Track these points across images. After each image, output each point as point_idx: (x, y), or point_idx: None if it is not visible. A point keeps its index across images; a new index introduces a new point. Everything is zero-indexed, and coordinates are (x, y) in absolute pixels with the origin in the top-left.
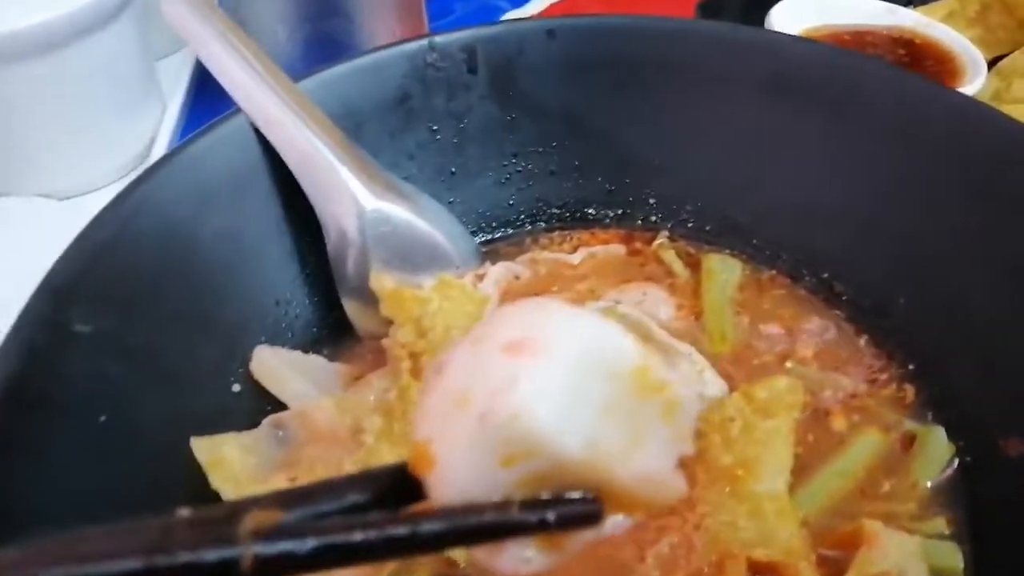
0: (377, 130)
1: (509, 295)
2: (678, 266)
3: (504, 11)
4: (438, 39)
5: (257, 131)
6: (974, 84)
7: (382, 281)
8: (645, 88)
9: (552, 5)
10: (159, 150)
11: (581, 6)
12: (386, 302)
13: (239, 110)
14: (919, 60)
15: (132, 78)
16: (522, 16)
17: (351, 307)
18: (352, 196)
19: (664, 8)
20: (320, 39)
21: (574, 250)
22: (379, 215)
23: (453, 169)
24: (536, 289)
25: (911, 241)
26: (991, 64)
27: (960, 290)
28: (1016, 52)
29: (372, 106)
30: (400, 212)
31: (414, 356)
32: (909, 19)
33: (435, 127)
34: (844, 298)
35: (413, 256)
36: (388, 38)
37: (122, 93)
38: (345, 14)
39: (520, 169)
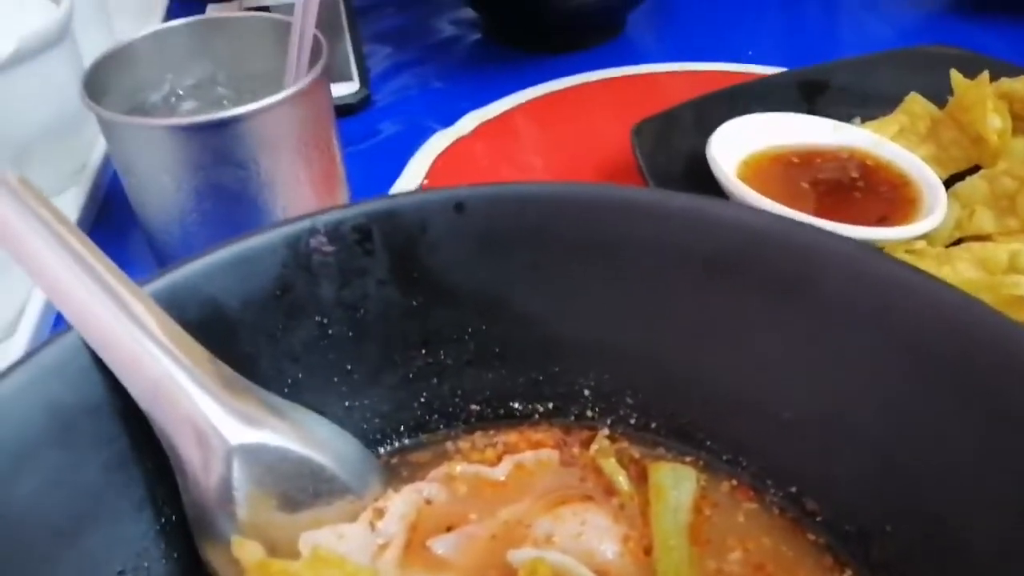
0: (253, 333)
1: (419, 528)
2: (621, 479)
3: (434, 131)
4: (324, 219)
5: (93, 353)
6: (935, 214)
7: (245, 549)
8: (571, 265)
9: (484, 123)
10: (29, 319)
11: (513, 125)
12: (251, 575)
13: (68, 328)
14: (873, 185)
15: None
16: (455, 135)
17: (217, 563)
18: (212, 430)
19: (602, 131)
20: (213, 189)
21: (499, 459)
22: (247, 450)
23: (349, 367)
24: (452, 519)
25: (890, 457)
26: (948, 182)
27: (957, 522)
28: (976, 176)
29: (245, 305)
30: (275, 440)
31: None
32: (858, 138)
33: (325, 320)
34: (819, 519)
35: (296, 491)
36: (293, 184)
37: None
38: (238, 162)
39: (431, 361)
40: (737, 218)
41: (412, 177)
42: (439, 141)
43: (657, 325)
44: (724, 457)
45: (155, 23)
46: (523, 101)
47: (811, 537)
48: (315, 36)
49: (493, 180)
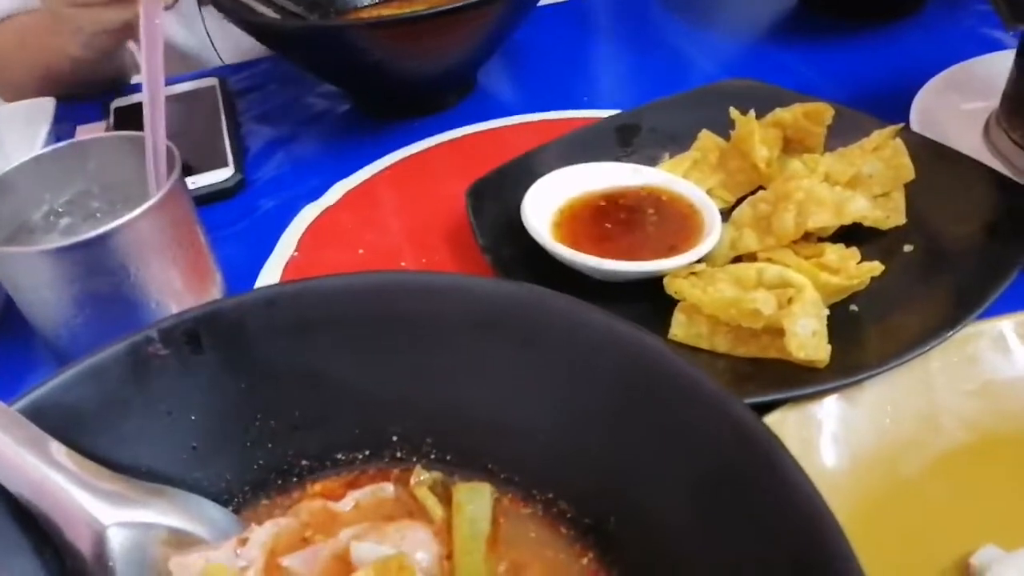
0: (108, 431)
1: (275, 552)
2: (431, 502)
3: (305, 204)
4: (158, 328)
5: None
6: (711, 237)
7: None
8: (369, 339)
9: (349, 192)
10: None
11: (376, 192)
12: None
13: None
14: (666, 217)
15: None
16: (323, 205)
17: None
18: (88, 516)
19: (449, 189)
20: (91, 296)
21: (338, 495)
22: (120, 528)
23: (195, 445)
24: (301, 542)
25: (606, 463)
26: (738, 203)
27: (652, 507)
28: (745, 202)
29: (99, 408)
30: (143, 516)
31: None
32: (656, 177)
33: (169, 411)
34: (569, 516)
35: (165, 548)
36: (163, 281)
37: None
38: (109, 271)
39: (264, 431)
40: (493, 290)
41: (283, 252)
42: (308, 213)
43: (442, 378)
44: (502, 476)
45: (41, 138)
46: (385, 167)
47: (563, 531)
48: (168, 148)
49: (357, 246)
